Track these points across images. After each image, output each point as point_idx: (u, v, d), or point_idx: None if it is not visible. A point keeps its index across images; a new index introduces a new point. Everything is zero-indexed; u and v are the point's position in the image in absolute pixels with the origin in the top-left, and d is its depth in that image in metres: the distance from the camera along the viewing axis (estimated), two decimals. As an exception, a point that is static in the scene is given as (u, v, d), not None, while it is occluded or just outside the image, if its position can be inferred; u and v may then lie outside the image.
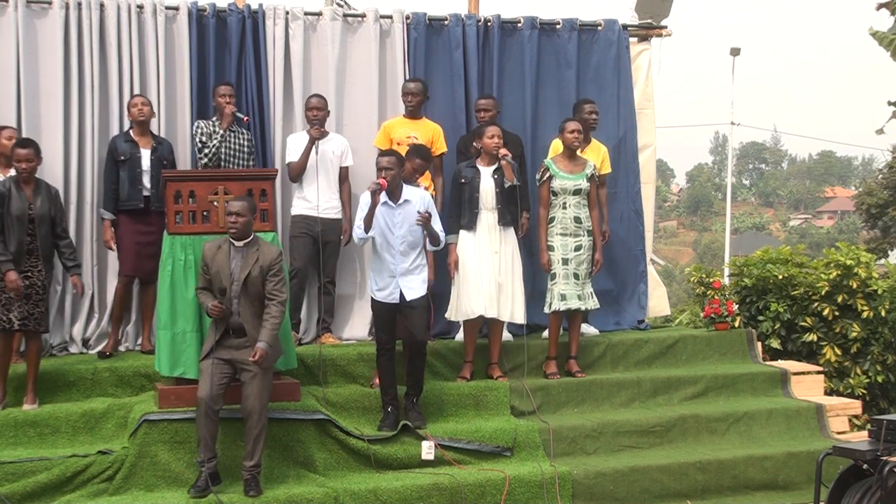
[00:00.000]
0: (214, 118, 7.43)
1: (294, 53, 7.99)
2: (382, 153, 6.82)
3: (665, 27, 9.05)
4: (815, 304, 8.90)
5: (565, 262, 7.47)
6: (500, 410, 7.09)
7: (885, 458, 5.46)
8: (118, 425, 6.42)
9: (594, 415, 7.27)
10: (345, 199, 7.72)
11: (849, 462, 5.68)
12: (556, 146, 7.79)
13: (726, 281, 10.10)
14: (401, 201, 6.64)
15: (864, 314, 8.77)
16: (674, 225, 71.91)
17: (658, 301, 9.11)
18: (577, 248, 7.49)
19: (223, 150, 7.32)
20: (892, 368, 8.92)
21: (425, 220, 6.58)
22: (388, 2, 8.33)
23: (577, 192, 7.48)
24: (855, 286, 8.81)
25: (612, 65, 8.76)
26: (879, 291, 8.81)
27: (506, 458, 6.73)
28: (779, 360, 8.70)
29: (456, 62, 8.31)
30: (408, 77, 8.11)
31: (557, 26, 8.63)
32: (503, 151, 7.19)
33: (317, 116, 7.45)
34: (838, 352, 8.84)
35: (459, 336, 7.84)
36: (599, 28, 8.74)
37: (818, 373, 8.44)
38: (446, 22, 8.37)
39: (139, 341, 7.51)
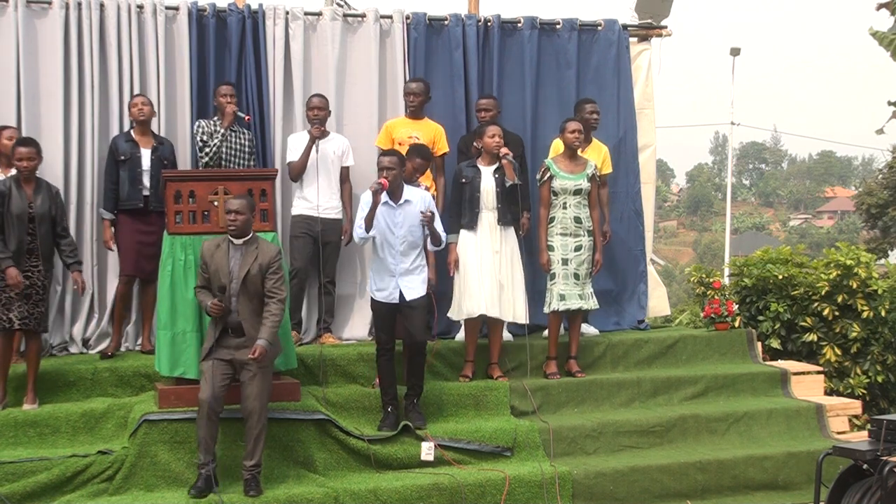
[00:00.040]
0: (216, 118, 7.43)
1: (294, 53, 7.99)
2: (384, 153, 6.83)
3: (665, 27, 9.06)
4: (815, 304, 8.90)
5: (565, 262, 7.47)
6: (500, 410, 7.09)
7: (885, 458, 5.46)
8: (118, 425, 6.42)
9: (594, 415, 7.27)
10: (345, 199, 7.72)
11: (849, 462, 5.68)
12: (557, 146, 7.79)
13: (726, 281, 10.10)
14: (402, 201, 6.64)
15: (864, 314, 8.77)
16: (674, 225, 71.91)
17: (658, 301, 9.11)
18: (578, 248, 7.49)
19: (224, 149, 7.32)
20: (892, 368, 8.92)
21: (429, 220, 6.58)
22: (388, 2, 8.34)
23: (577, 193, 7.48)
24: (855, 286, 8.81)
25: (612, 65, 8.76)
26: (879, 291, 8.81)
27: (506, 458, 6.73)
28: (779, 360, 8.70)
29: (456, 62, 8.31)
30: (408, 77, 8.12)
31: (557, 26, 8.63)
32: (504, 150, 7.20)
33: (318, 116, 7.45)
34: (838, 352, 8.84)
35: (459, 336, 7.85)
36: (599, 28, 8.74)
37: (818, 373, 8.44)
38: (446, 22, 8.37)
39: (139, 341, 7.50)
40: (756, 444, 7.28)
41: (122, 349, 7.44)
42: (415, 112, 7.74)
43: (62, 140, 7.46)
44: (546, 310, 7.55)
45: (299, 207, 7.59)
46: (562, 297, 7.45)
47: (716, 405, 7.65)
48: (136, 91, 7.56)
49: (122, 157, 7.16)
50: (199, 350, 6.22)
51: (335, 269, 7.74)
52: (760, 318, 9.05)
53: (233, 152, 7.38)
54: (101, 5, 7.62)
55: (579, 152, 7.63)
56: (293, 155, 7.55)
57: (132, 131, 7.28)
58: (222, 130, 7.31)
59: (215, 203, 6.50)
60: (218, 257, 6.04)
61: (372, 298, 6.79)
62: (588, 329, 8.23)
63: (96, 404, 6.54)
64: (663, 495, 6.72)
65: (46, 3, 7.54)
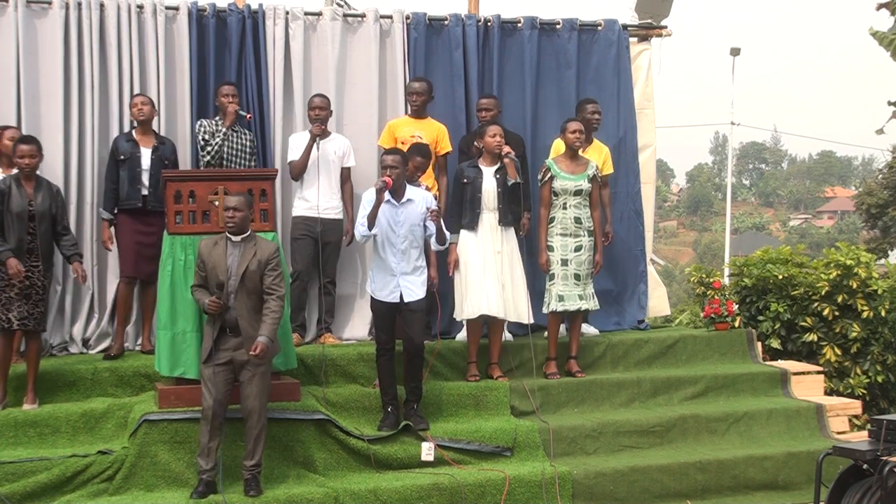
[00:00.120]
0: (217, 118, 7.44)
1: (294, 53, 7.99)
2: (387, 151, 6.84)
3: (665, 27, 9.06)
4: (815, 304, 8.90)
5: (564, 262, 7.47)
6: (500, 410, 7.09)
7: (885, 458, 5.46)
8: (118, 425, 6.42)
9: (594, 415, 7.27)
10: (346, 199, 7.72)
11: (849, 462, 5.68)
12: (558, 146, 7.79)
13: (726, 281, 10.10)
14: (404, 200, 6.64)
15: (864, 314, 8.77)
16: (674, 225, 71.91)
17: (658, 301, 9.11)
18: (578, 249, 7.49)
19: (225, 149, 7.32)
20: (892, 368, 8.92)
21: (436, 216, 6.58)
22: (388, 2, 8.34)
23: (578, 193, 7.48)
24: (855, 286, 8.81)
25: (612, 65, 8.76)
26: (879, 291, 8.81)
27: (506, 458, 6.73)
28: (779, 360, 8.70)
29: (456, 62, 8.31)
30: (408, 77, 8.12)
31: (557, 26, 8.63)
32: (506, 149, 7.20)
33: (319, 116, 7.46)
34: (838, 352, 8.84)
35: (460, 336, 7.85)
36: (599, 28, 8.74)
37: (818, 373, 8.44)
38: (446, 22, 8.37)
39: (139, 341, 7.50)
40: (756, 444, 7.28)
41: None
42: (417, 111, 7.74)
43: (62, 140, 7.47)
44: (545, 310, 7.55)
45: (300, 208, 7.59)
46: (560, 298, 7.45)
47: (716, 405, 7.65)
48: (136, 91, 7.56)
49: (122, 157, 7.16)
50: (199, 350, 6.22)
51: (335, 270, 7.73)
52: (760, 318, 9.05)
53: (234, 152, 7.38)
54: (101, 5, 7.62)
55: (580, 152, 7.63)
56: (294, 154, 7.55)
57: (133, 131, 7.28)
58: (224, 130, 7.31)
59: (215, 203, 6.49)
60: (216, 254, 6.03)
61: (372, 298, 6.79)
62: (588, 329, 8.23)
63: (96, 404, 6.53)
64: (663, 495, 6.72)
65: (46, 3, 7.54)
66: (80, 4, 7.55)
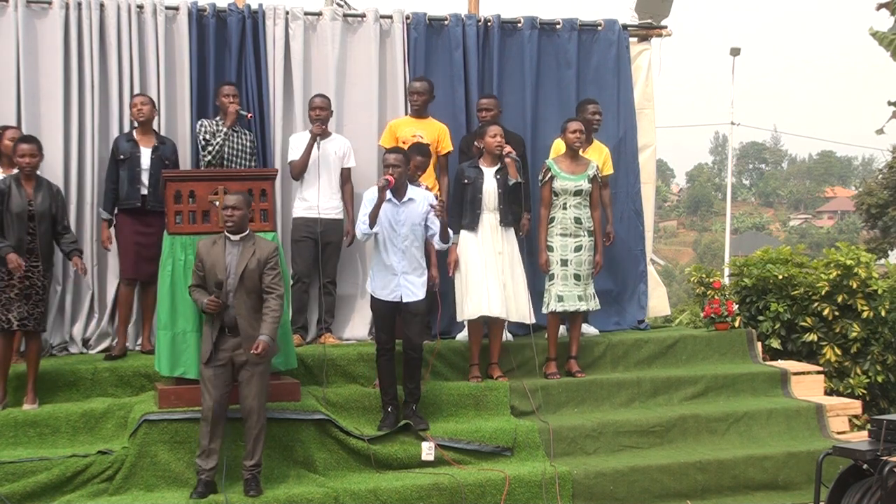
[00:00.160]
0: (217, 118, 7.44)
1: (294, 53, 7.99)
2: (390, 150, 6.84)
3: (665, 27, 9.05)
4: (815, 304, 8.90)
5: (564, 262, 7.47)
6: (500, 410, 7.09)
7: (885, 458, 5.46)
8: (118, 425, 6.42)
9: (594, 415, 7.26)
10: (347, 199, 7.72)
11: (849, 462, 5.68)
12: (558, 146, 7.79)
13: (726, 281, 10.10)
14: (405, 199, 6.64)
15: (864, 314, 8.77)
16: (674, 225, 71.91)
17: (658, 301, 9.11)
18: (577, 249, 7.49)
19: (226, 149, 7.32)
20: (892, 368, 8.92)
21: (442, 210, 6.58)
22: (388, 2, 8.34)
23: (578, 193, 7.48)
24: (855, 286, 8.81)
25: (612, 65, 8.75)
26: (879, 291, 8.81)
27: (506, 458, 6.73)
28: (779, 360, 8.70)
29: (456, 62, 8.31)
30: (408, 77, 8.12)
31: (557, 26, 8.63)
32: (507, 149, 7.20)
33: (320, 116, 7.47)
34: (838, 352, 8.84)
35: (459, 336, 7.85)
36: (599, 28, 8.74)
37: (818, 373, 8.44)
38: (446, 22, 8.37)
39: (139, 341, 7.50)
40: (756, 444, 7.28)
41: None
42: (419, 111, 7.74)
43: (62, 140, 7.47)
44: (544, 310, 7.55)
45: (300, 209, 7.60)
46: (560, 298, 7.45)
47: (716, 405, 7.65)
48: (137, 91, 7.56)
49: (122, 157, 7.16)
50: (199, 350, 6.21)
51: (336, 270, 7.73)
52: (760, 318, 9.05)
53: (235, 153, 7.38)
54: (101, 5, 7.62)
55: (580, 153, 7.62)
56: (295, 154, 7.55)
57: (134, 132, 7.28)
58: (225, 130, 7.31)
59: (215, 203, 6.50)
60: (214, 253, 6.03)
61: (372, 297, 6.78)
62: (588, 329, 8.23)
63: (96, 404, 6.53)
64: (663, 495, 6.72)
65: (46, 3, 7.54)
66: (80, 4, 7.55)
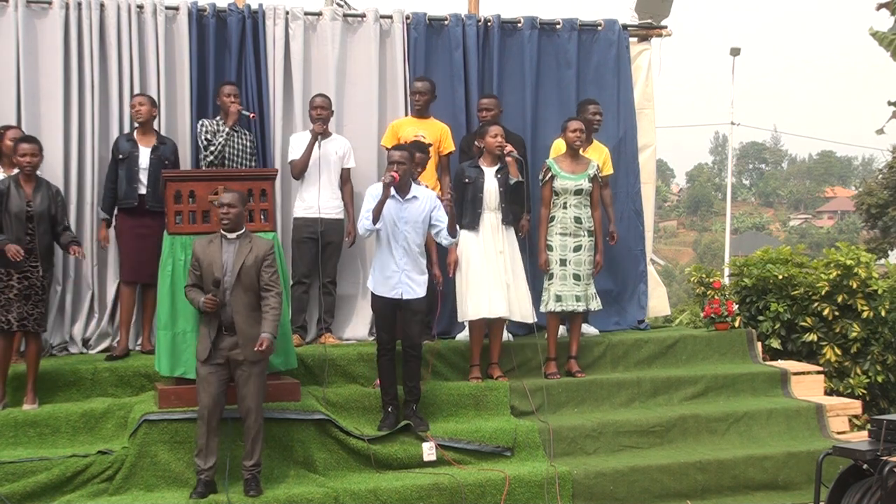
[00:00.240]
0: (218, 118, 7.44)
1: (294, 53, 7.99)
2: (394, 147, 6.83)
3: (665, 27, 9.06)
4: (815, 304, 8.90)
5: (563, 262, 7.47)
6: (500, 410, 7.09)
7: (885, 458, 5.46)
8: (118, 425, 6.42)
9: (594, 415, 7.27)
10: (347, 200, 7.72)
11: (849, 462, 5.67)
12: (559, 146, 7.79)
13: (726, 281, 10.10)
14: (409, 197, 6.64)
15: (864, 314, 8.77)
16: (674, 225, 71.91)
17: (658, 301, 9.11)
18: (577, 249, 7.49)
19: (227, 149, 7.32)
20: (892, 368, 8.92)
21: (450, 203, 6.58)
22: (388, 2, 8.34)
23: (578, 193, 7.48)
24: (855, 286, 8.81)
25: (612, 65, 8.75)
26: (879, 291, 8.81)
27: (506, 458, 6.73)
28: (779, 360, 8.70)
29: (456, 62, 8.31)
30: (408, 77, 8.12)
31: (557, 26, 8.63)
32: (508, 148, 7.20)
33: (321, 115, 7.48)
34: (838, 352, 8.84)
35: (460, 336, 7.85)
36: (599, 28, 8.74)
37: (818, 373, 8.44)
38: (446, 22, 8.37)
39: (139, 341, 7.50)
40: (756, 444, 7.28)
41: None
42: (420, 111, 7.75)
43: (62, 140, 7.46)
44: (542, 309, 7.55)
45: (300, 210, 7.60)
46: (558, 298, 7.45)
47: (716, 405, 7.65)
48: (137, 91, 7.56)
49: (121, 156, 7.17)
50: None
51: (336, 269, 7.73)
52: (760, 318, 9.05)
53: (235, 153, 7.38)
54: (101, 5, 7.62)
55: (581, 152, 7.62)
56: (295, 153, 7.55)
57: (134, 132, 7.28)
58: (227, 129, 7.31)
59: (215, 203, 6.49)
60: (211, 252, 6.02)
61: (373, 295, 6.76)
62: (588, 329, 8.23)
63: (96, 404, 6.53)
64: (663, 495, 6.72)
65: (46, 3, 7.54)
66: (80, 4, 7.55)
